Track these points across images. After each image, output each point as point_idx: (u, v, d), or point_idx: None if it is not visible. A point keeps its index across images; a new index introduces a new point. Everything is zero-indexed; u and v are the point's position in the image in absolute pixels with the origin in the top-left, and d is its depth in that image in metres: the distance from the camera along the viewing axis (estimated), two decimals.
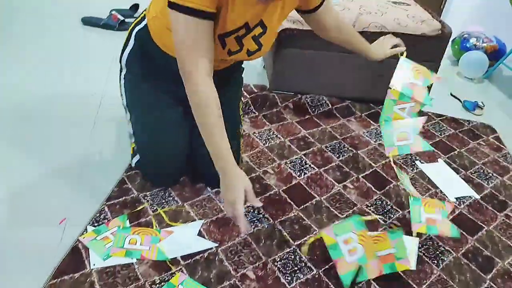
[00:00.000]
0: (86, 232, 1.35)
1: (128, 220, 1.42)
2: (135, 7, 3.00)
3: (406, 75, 1.56)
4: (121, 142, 1.76)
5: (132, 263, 1.28)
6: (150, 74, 1.47)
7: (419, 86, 1.53)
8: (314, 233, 1.48)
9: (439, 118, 2.30)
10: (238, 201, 1.13)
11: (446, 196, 1.74)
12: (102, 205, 1.46)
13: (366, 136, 2.06)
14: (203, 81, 1.11)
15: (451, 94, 2.60)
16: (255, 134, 1.94)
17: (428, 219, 1.47)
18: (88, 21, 2.81)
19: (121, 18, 2.79)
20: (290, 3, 1.35)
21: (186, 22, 1.08)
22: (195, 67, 1.10)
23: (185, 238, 1.38)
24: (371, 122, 2.18)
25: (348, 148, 1.96)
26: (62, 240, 1.33)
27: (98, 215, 1.42)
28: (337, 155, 1.89)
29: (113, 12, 2.81)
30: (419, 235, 1.50)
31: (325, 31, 1.59)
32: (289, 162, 1.80)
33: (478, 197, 1.77)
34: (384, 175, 1.81)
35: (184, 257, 1.32)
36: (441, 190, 1.77)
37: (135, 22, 1.46)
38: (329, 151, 1.92)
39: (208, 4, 1.07)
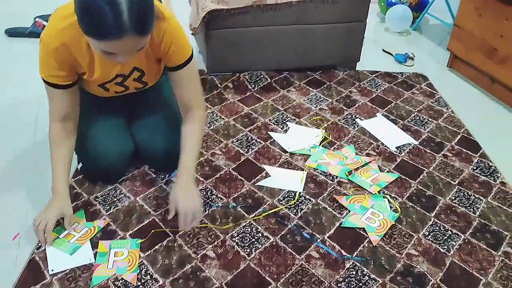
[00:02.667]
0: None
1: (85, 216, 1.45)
2: None
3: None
4: None
5: (92, 264, 1.29)
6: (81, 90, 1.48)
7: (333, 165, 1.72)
8: (267, 203, 1.53)
9: (373, 75, 2.39)
10: (47, 220, 1.31)
11: (388, 147, 1.84)
12: None
13: (307, 103, 2.13)
14: (52, 126, 1.38)
15: (383, 50, 2.70)
16: None
17: (373, 180, 1.67)
18: (13, 32, 2.71)
19: (46, 24, 2.70)
20: (155, 53, 1.36)
21: (49, 89, 1.32)
22: (51, 117, 1.38)
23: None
24: (310, 89, 2.24)
25: (291, 117, 2.01)
26: (18, 256, 1.33)
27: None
28: (281, 126, 1.95)
29: (37, 19, 2.72)
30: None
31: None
32: (235, 141, 1.84)
33: (416, 142, 1.88)
34: (327, 137, 1.89)
35: (143, 249, 1.34)
36: (382, 143, 1.87)
37: None
38: (273, 123, 1.97)
39: (63, 80, 1.29)
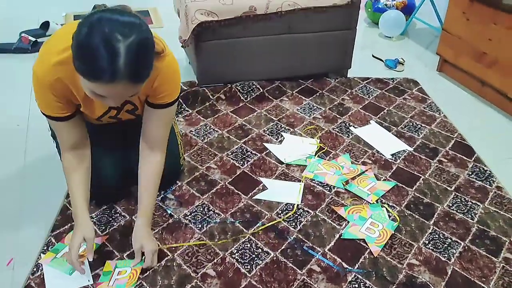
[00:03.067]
0: (37, 268, 1.32)
1: None
2: (45, 25, 2.87)
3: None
4: (56, 169, 1.70)
5: (90, 286, 1.26)
6: None
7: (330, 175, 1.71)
8: (265, 217, 1.52)
9: (365, 82, 2.40)
10: (71, 247, 1.24)
11: (383, 155, 1.83)
12: (48, 237, 1.42)
13: (301, 112, 2.12)
14: (64, 157, 1.34)
15: (373, 56, 2.71)
16: (192, 132, 1.94)
17: (370, 189, 1.67)
18: None
19: (33, 39, 2.67)
20: (145, 89, 1.31)
21: (51, 122, 1.30)
22: (61, 147, 1.34)
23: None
24: (303, 97, 2.24)
25: (285, 128, 2.00)
26: (12, 282, 1.29)
27: (45, 248, 1.38)
28: (276, 137, 1.93)
29: (23, 35, 2.68)
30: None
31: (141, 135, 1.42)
32: (230, 153, 1.83)
33: (411, 149, 1.88)
34: (322, 145, 1.88)
35: (141, 270, 1.32)
36: (377, 150, 1.86)
37: None
38: (268, 134, 1.95)
39: (62, 112, 1.26)
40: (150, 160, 1.37)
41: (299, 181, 1.69)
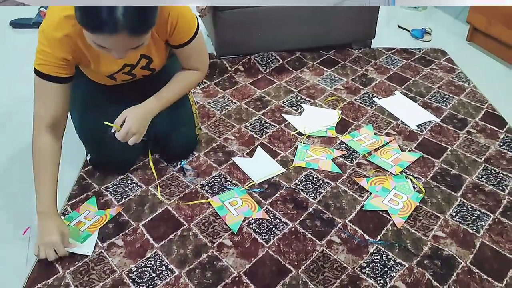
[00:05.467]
0: None
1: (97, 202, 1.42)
2: None
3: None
4: (74, 140, 1.68)
5: (106, 257, 1.25)
6: (87, 80, 1.43)
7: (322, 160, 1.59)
8: (284, 188, 1.47)
9: (390, 52, 2.30)
10: (57, 245, 1.21)
11: (408, 126, 1.75)
12: (64, 206, 1.42)
13: (321, 83, 2.04)
14: (39, 133, 1.26)
15: (399, 26, 2.59)
16: (210, 104, 1.90)
17: (394, 160, 1.58)
18: (18, 24, 2.67)
19: None
20: (162, 36, 1.30)
21: (43, 84, 1.26)
22: (38, 124, 1.27)
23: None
24: (324, 68, 2.16)
25: (305, 99, 1.94)
26: (29, 250, 1.29)
27: (61, 217, 1.37)
28: (295, 108, 1.87)
29: (42, 9, 2.67)
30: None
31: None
32: (248, 125, 1.78)
33: (438, 120, 1.79)
34: (345, 117, 1.81)
35: (157, 239, 1.29)
36: (402, 121, 1.78)
37: None
38: (287, 105, 1.89)
39: (61, 72, 1.22)
40: (190, 70, 1.43)
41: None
